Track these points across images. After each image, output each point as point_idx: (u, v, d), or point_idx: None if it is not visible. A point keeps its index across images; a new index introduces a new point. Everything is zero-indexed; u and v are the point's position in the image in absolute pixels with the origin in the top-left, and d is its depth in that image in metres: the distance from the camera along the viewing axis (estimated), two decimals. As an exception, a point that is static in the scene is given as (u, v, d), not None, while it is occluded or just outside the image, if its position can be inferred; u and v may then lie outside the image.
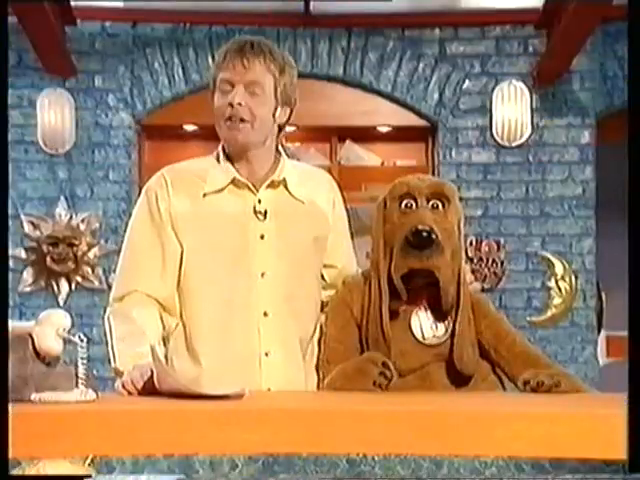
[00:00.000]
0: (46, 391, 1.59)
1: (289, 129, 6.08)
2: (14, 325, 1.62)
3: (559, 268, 5.59)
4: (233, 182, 2.27)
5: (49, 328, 1.62)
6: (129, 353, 2.13)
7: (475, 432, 1.39)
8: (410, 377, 2.13)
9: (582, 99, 5.67)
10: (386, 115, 5.86)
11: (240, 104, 2.20)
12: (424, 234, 2.06)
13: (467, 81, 5.72)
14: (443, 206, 2.15)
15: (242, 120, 2.22)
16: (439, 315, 2.15)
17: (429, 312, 2.16)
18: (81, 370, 1.60)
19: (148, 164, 5.81)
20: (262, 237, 2.25)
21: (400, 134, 6.09)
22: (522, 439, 1.37)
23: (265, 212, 2.26)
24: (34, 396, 1.57)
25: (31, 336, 1.62)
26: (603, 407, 1.65)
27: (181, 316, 2.27)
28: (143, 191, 2.35)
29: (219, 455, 1.46)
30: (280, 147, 2.39)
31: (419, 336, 2.15)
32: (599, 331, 5.91)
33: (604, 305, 6.06)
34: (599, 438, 1.37)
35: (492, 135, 5.66)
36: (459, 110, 5.72)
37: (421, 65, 5.73)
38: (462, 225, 2.20)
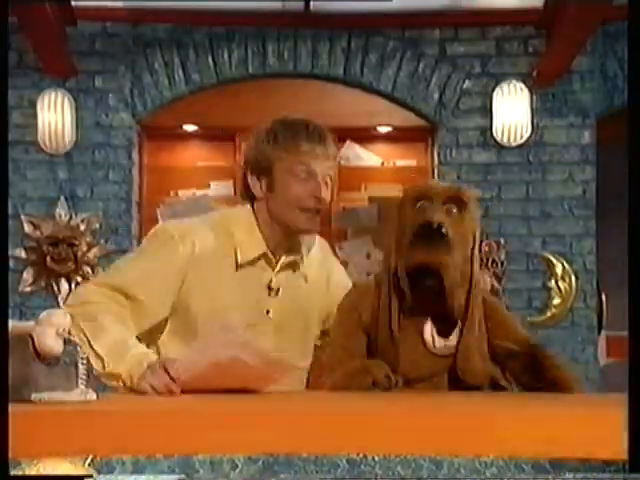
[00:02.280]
0: (46, 391, 1.59)
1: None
2: (14, 325, 1.62)
3: (559, 268, 5.59)
4: (260, 258, 2.25)
5: (49, 328, 1.62)
6: (133, 354, 2.07)
7: (475, 432, 1.39)
8: (420, 386, 2.12)
9: (582, 99, 5.67)
10: (386, 115, 5.86)
11: (326, 199, 2.20)
12: (433, 226, 2.01)
13: (467, 81, 5.72)
14: (459, 210, 2.11)
15: (321, 210, 2.22)
16: (451, 325, 2.13)
17: (441, 322, 2.14)
18: (81, 370, 1.60)
19: (148, 164, 5.82)
20: (268, 312, 2.25)
21: (400, 134, 6.09)
22: (522, 439, 1.37)
23: (278, 289, 2.25)
24: (34, 396, 1.57)
25: (31, 336, 1.62)
26: (603, 407, 1.65)
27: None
28: (179, 235, 2.22)
29: (219, 455, 1.46)
30: None
31: (430, 345, 2.12)
32: (599, 331, 5.91)
33: (604, 305, 6.05)
34: (599, 438, 1.37)
35: (492, 135, 5.66)
36: (459, 110, 5.72)
37: (421, 65, 5.73)
38: (478, 233, 2.15)
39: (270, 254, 2.25)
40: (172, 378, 1.87)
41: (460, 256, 2.06)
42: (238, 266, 2.23)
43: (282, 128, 2.22)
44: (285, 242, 2.28)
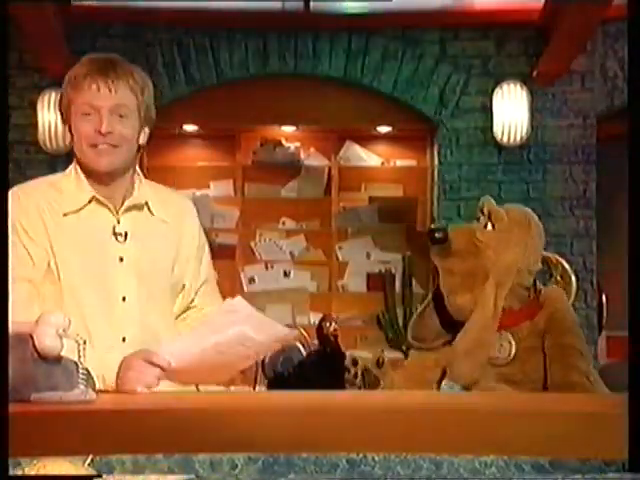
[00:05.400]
0: (46, 391, 1.59)
1: (289, 129, 6.10)
2: (14, 325, 1.62)
3: (559, 268, 5.58)
4: (91, 202, 2.19)
5: (49, 328, 1.62)
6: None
7: (475, 432, 1.39)
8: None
9: (582, 99, 5.67)
10: (386, 115, 5.87)
11: (110, 132, 2.14)
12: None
13: (467, 81, 5.72)
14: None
15: (111, 146, 2.15)
16: (507, 336, 2.24)
17: (499, 333, 2.31)
18: (81, 370, 1.60)
19: (148, 164, 5.81)
20: (121, 260, 2.18)
21: (400, 134, 6.10)
22: (522, 439, 1.37)
23: (125, 234, 2.19)
24: (34, 396, 1.57)
25: (31, 336, 1.62)
26: (603, 407, 1.65)
27: None
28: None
29: (219, 455, 1.46)
30: (137, 167, 2.29)
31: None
32: (599, 331, 5.90)
33: (604, 305, 6.05)
34: (599, 438, 1.37)
35: (492, 135, 5.66)
36: (459, 110, 5.72)
37: (421, 65, 5.73)
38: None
39: (103, 199, 2.20)
40: (161, 367, 1.87)
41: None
42: (66, 214, 2.17)
43: (79, 69, 2.17)
44: (107, 185, 2.20)
